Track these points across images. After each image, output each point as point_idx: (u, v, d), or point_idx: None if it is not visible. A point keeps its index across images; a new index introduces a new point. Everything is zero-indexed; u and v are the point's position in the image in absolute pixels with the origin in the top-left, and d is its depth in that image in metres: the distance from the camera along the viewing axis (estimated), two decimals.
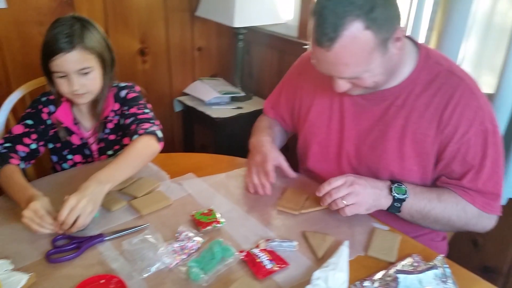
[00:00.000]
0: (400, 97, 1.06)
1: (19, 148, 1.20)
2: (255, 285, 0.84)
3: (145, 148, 1.16)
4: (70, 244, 0.95)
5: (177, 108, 2.46)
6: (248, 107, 2.31)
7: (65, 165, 1.36)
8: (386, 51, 0.95)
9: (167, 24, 2.27)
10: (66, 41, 1.13)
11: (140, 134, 1.17)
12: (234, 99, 2.37)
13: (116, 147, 1.37)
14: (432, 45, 1.58)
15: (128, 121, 1.26)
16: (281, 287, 0.86)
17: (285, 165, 1.19)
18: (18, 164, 1.16)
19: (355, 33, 0.90)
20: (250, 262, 0.91)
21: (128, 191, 1.15)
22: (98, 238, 0.97)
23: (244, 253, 0.93)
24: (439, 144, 1.04)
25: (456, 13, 1.48)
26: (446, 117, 1.01)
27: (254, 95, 2.44)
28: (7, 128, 1.44)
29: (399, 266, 0.90)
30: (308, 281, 0.81)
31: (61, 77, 1.17)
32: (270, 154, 1.18)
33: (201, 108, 2.26)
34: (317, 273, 0.83)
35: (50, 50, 1.14)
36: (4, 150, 1.17)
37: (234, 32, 2.30)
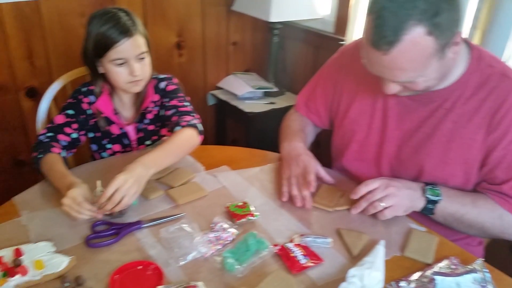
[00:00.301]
0: (449, 100, 1.03)
1: (61, 137, 1.24)
2: (290, 279, 0.84)
3: (187, 139, 1.19)
4: (109, 230, 0.98)
5: (210, 101, 2.49)
6: (281, 102, 2.31)
7: (104, 154, 1.40)
8: (443, 56, 0.91)
9: (204, 18, 2.29)
10: (127, 28, 1.16)
11: (183, 126, 1.19)
12: (267, 94, 2.37)
13: (154, 137, 1.40)
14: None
15: (169, 112, 1.28)
16: (316, 283, 0.86)
17: (323, 173, 1.15)
18: (60, 153, 1.19)
19: (416, 38, 0.85)
20: (284, 256, 0.91)
21: (165, 181, 1.17)
22: (136, 225, 0.99)
23: (278, 247, 0.93)
24: (486, 149, 1.00)
25: (502, 11, 1.43)
26: (495, 121, 0.98)
27: (287, 91, 2.44)
28: (49, 117, 1.50)
29: (436, 268, 0.88)
30: (342, 279, 0.81)
31: (120, 64, 1.19)
32: (310, 165, 1.14)
33: (234, 102, 2.27)
34: (352, 271, 0.82)
35: (110, 38, 1.16)
36: (47, 140, 1.21)
37: (269, 27, 2.30)
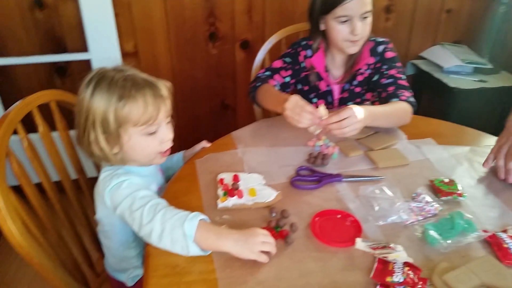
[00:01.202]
0: None
1: (276, 77, 1.37)
2: (503, 268, 0.76)
3: (403, 113, 1.20)
4: (312, 176, 1.04)
5: (409, 71, 2.35)
6: (493, 81, 2.03)
7: None
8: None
9: None
10: None
11: (402, 100, 1.19)
12: (477, 71, 2.11)
13: (358, 99, 1.40)
14: None
15: (386, 81, 1.27)
16: None
17: None
18: (274, 85, 1.34)
19: None
20: (495, 244, 0.82)
21: (366, 142, 1.17)
22: (337, 177, 1.03)
23: (488, 234, 0.85)
24: None
25: None
26: None
27: (503, 70, 2.12)
28: (262, 66, 1.64)
29: None
30: None
31: (343, 22, 1.22)
32: None
33: (437, 75, 2.10)
34: None
35: None
36: (264, 76, 1.37)
37: None
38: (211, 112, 2.31)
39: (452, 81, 2.02)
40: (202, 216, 0.79)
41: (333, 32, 1.25)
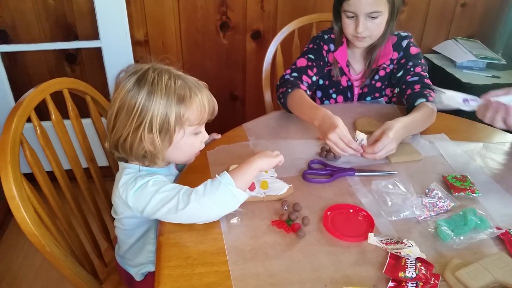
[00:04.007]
0: None
1: (304, 78, 1.32)
2: None
3: (432, 117, 1.21)
4: (324, 169, 1.04)
5: None
6: (507, 77, 2.01)
7: (326, 102, 1.46)
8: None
9: None
10: None
11: (430, 101, 1.20)
12: (489, 66, 2.08)
13: (377, 94, 1.39)
14: None
15: (411, 78, 1.27)
16: None
17: None
18: (305, 90, 1.27)
19: None
20: (508, 242, 0.82)
21: None
22: (349, 171, 1.02)
23: (501, 231, 0.84)
24: None
25: None
26: None
27: None
28: (274, 57, 1.63)
29: None
30: None
31: (350, 17, 1.22)
32: None
33: (450, 70, 2.07)
34: None
35: None
36: (292, 78, 1.31)
37: None
38: (219, 103, 2.29)
39: (465, 76, 2.00)
40: (225, 172, 0.87)
41: (343, 25, 1.26)
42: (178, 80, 0.89)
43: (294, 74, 1.31)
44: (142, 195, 0.86)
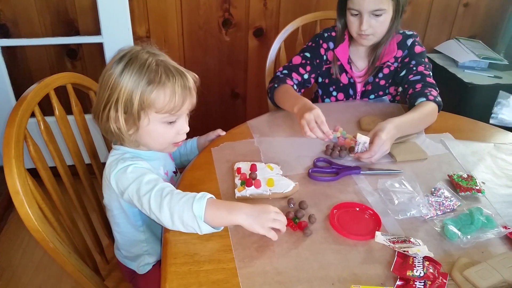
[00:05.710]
0: None
1: (294, 75, 1.34)
2: None
3: (431, 115, 1.19)
4: (330, 167, 1.03)
5: None
6: (508, 78, 2.01)
7: (327, 100, 1.46)
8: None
9: None
10: None
11: (430, 100, 1.19)
12: (492, 66, 2.08)
13: (380, 92, 1.38)
14: None
15: (413, 77, 1.27)
16: None
17: None
18: (292, 85, 1.31)
19: None
20: None
21: None
22: (355, 170, 1.02)
23: (509, 230, 0.84)
24: None
25: None
26: None
27: None
28: (278, 54, 1.63)
29: None
30: None
31: (354, 15, 1.22)
32: None
33: (452, 70, 2.07)
34: None
35: None
36: (282, 76, 1.34)
37: None
38: (220, 101, 2.30)
39: (467, 77, 2.00)
40: (209, 195, 0.80)
41: (348, 23, 1.27)
42: (157, 62, 0.86)
43: (285, 71, 1.35)
44: (120, 180, 0.86)
